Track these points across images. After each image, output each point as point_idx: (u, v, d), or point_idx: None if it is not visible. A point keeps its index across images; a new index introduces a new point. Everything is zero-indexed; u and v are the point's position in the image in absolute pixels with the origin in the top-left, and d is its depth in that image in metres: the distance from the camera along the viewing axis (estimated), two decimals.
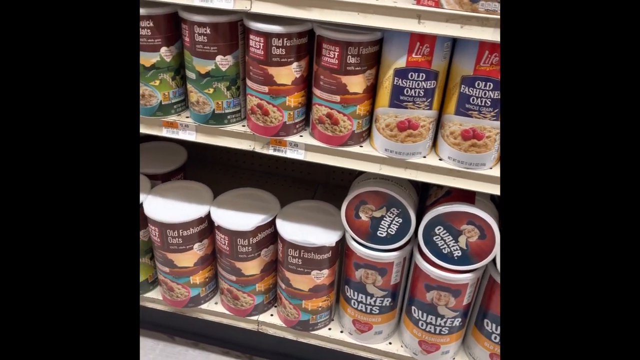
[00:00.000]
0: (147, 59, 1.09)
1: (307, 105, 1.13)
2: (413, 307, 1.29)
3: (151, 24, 1.06)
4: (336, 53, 0.99)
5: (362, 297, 1.30)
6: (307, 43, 1.05)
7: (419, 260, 1.22)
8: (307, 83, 1.10)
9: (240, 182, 1.85)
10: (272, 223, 1.31)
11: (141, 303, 1.51)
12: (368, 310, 1.32)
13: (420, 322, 1.29)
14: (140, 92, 1.12)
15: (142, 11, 1.04)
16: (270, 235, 1.32)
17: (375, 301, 1.30)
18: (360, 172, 1.27)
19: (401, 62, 0.97)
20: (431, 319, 1.27)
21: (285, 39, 1.01)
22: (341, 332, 1.42)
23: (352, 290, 1.31)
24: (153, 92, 1.12)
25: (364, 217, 1.19)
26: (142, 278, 1.46)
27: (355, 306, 1.33)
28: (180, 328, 1.61)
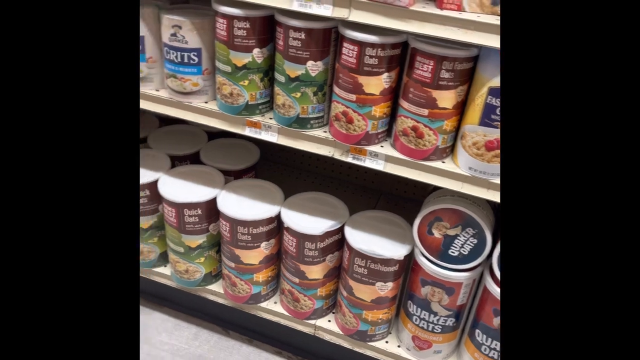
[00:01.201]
0: (239, 59, 1.11)
1: (392, 115, 1.12)
2: (477, 331, 1.26)
3: (247, 25, 1.08)
4: (430, 67, 0.98)
5: (425, 315, 1.28)
6: (400, 54, 1.04)
7: (490, 284, 1.19)
8: (393, 94, 1.09)
9: (304, 185, 1.87)
10: (340, 230, 1.31)
11: (202, 294, 1.55)
12: (430, 329, 1.29)
13: (483, 347, 1.25)
14: (229, 90, 1.15)
15: (240, 12, 1.07)
16: (337, 242, 1.33)
17: (438, 320, 1.27)
18: (436, 188, 1.25)
19: (496, 81, 0.95)
20: (495, 344, 1.23)
21: (379, 49, 1.00)
22: (398, 346, 1.40)
23: (415, 306, 1.29)
24: (241, 91, 1.15)
25: (437, 234, 1.17)
26: (206, 270, 1.49)
27: (417, 322, 1.30)
28: (237, 323, 1.64)
